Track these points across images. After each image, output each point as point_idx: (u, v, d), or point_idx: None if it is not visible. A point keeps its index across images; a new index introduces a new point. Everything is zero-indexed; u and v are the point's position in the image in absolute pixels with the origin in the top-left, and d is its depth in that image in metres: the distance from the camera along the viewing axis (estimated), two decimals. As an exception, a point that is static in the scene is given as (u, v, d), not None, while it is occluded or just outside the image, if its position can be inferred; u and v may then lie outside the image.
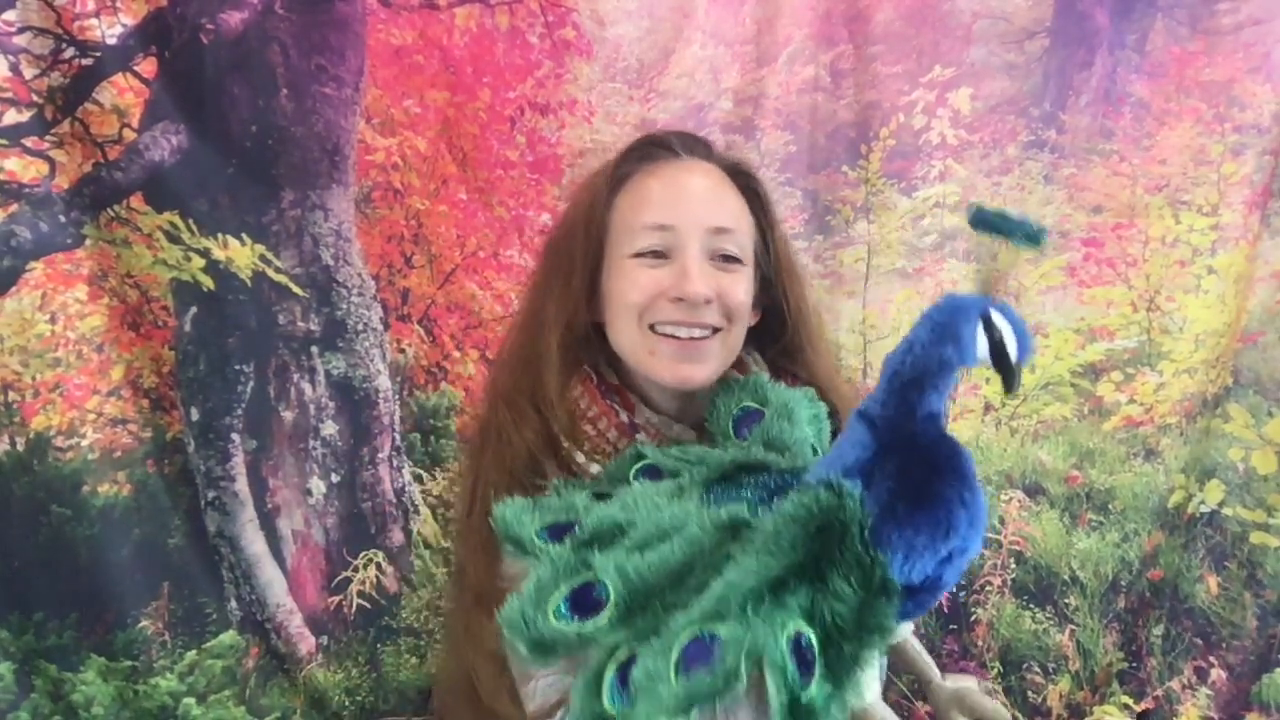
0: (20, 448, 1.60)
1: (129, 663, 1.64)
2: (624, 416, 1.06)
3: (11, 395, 1.59)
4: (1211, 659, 1.87)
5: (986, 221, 0.81)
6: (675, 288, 1.01)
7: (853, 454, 0.80)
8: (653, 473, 0.99)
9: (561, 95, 1.81)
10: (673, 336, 1.02)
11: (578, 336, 1.07)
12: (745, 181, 1.10)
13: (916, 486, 0.76)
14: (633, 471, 0.99)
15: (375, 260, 1.77)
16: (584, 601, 0.79)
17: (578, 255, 1.06)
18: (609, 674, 0.74)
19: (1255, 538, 1.85)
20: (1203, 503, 1.87)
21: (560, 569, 0.81)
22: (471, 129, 1.77)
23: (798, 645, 0.71)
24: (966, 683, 1.05)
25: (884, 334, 1.93)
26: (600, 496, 0.94)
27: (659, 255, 1.03)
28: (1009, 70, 1.90)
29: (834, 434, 1.07)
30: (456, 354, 1.83)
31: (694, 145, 1.10)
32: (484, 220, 1.80)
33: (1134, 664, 1.90)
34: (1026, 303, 1.90)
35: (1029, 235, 0.80)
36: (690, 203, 1.04)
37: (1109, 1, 1.88)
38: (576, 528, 0.86)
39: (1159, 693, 1.88)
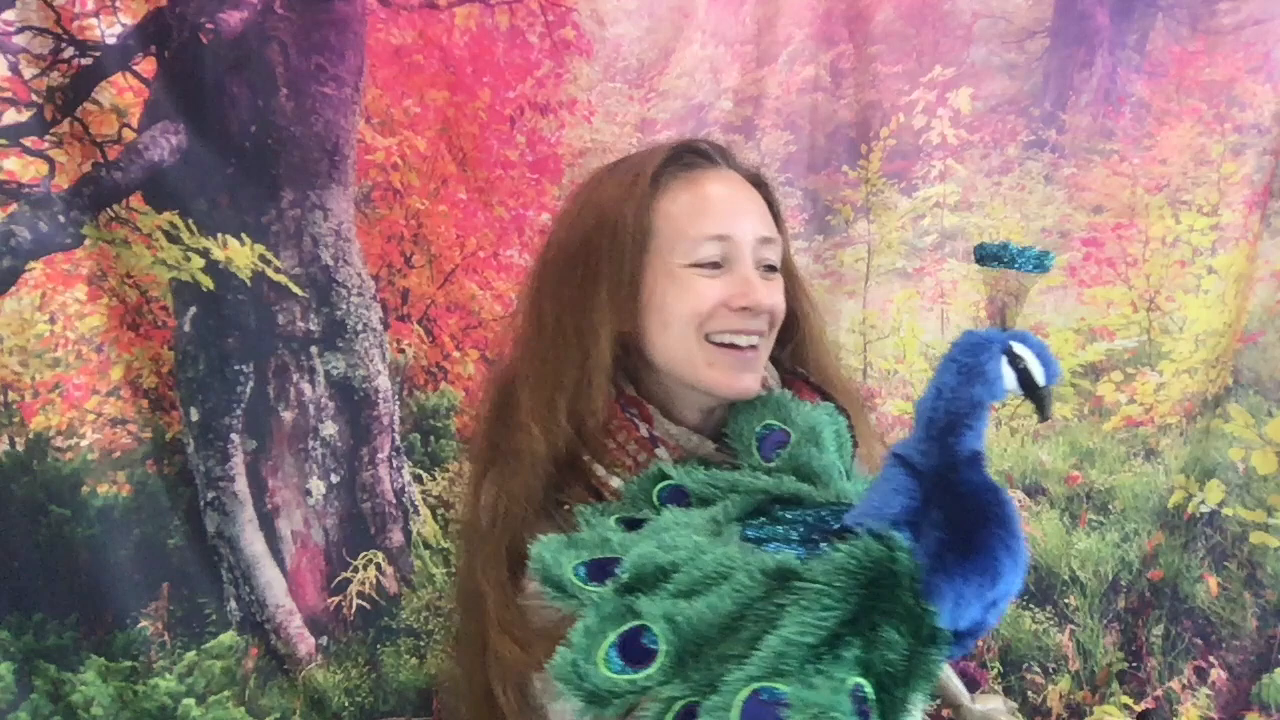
0: (20, 448, 1.60)
1: (128, 663, 1.64)
2: (643, 430, 1.04)
3: (11, 395, 1.59)
4: (1211, 659, 1.87)
5: (991, 255, 0.82)
6: (741, 297, 1.01)
7: (898, 502, 0.81)
8: (677, 494, 0.98)
9: (561, 95, 1.81)
10: (732, 346, 1.03)
11: (624, 348, 1.05)
12: (765, 190, 1.12)
13: (965, 537, 0.77)
14: (656, 491, 0.99)
15: (375, 260, 1.77)
16: (632, 649, 0.78)
17: (625, 261, 1.02)
18: None
19: (1255, 538, 1.85)
20: (1203, 503, 1.87)
21: (606, 615, 0.80)
22: (471, 129, 1.77)
23: (856, 698, 0.72)
24: (994, 703, 1.08)
25: (884, 334, 1.93)
26: (630, 524, 0.93)
27: (716, 266, 1.03)
28: (1009, 70, 1.90)
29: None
30: (456, 354, 1.82)
31: (725, 154, 1.11)
32: (484, 220, 1.80)
33: (1134, 664, 1.90)
34: (1026, 303, 1.90)
35: (1035, 262, 0.81)
36: (743, 213, 1.05)
37: (1109, 1, 1.88)
38: (617, 568, 0.85)
39: (1159, 693, 1.88)
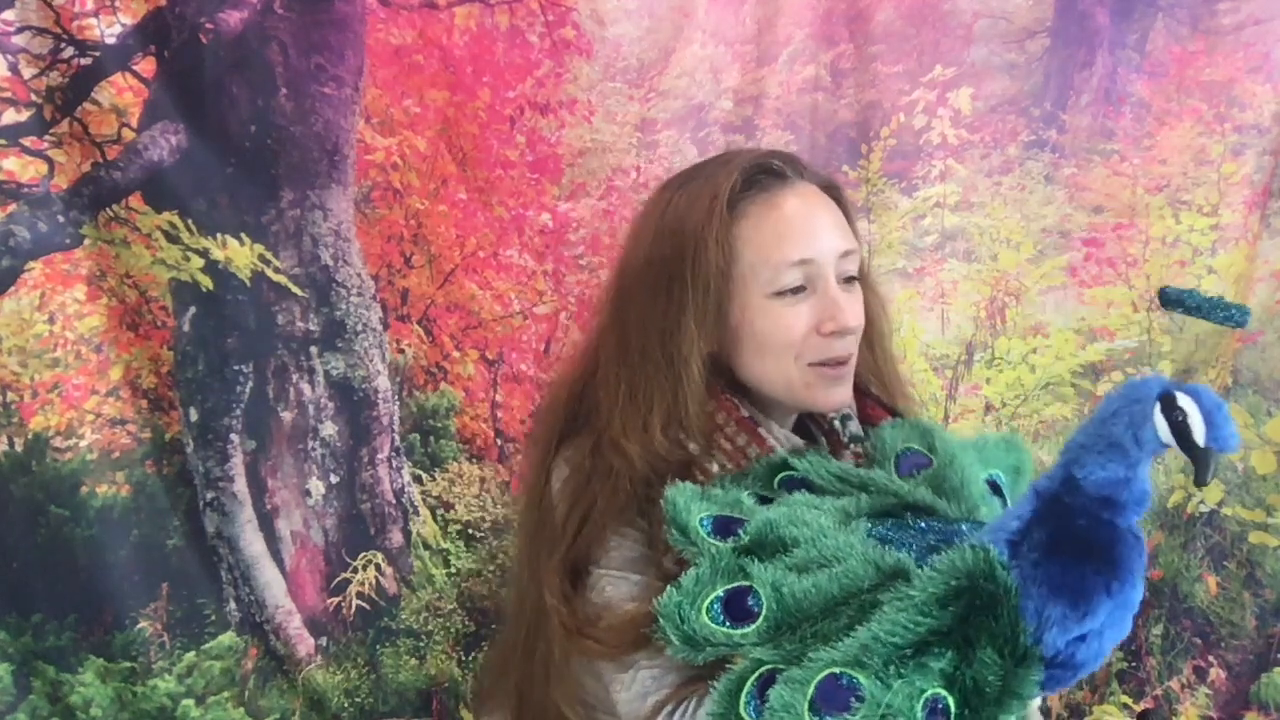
0: (18, 448, 1.59)
1: (127, 664, 1.64)
2: (744, 411, 1.07)
3: (10, 395, 1.59)
4: (1211, 658, 1.88)
5: (1178, 302, 0.82)
6: (830, 321, 1.02)
7: (1011, 520, 0.81)
8: (797, 485, 1.00)
9: (561, 95, 1.81)
10: (823, 364, 1.04)
11: (714, 368, 1.07)
12: (838, 195, 1.11)
13: (1062, 565, 0.77)
14: (777, 479, 1.01)
15: (375, 260, 1.76)
16: (736, 607, 0.83)
17: (711, 288, 1.02)
18: (750, 683, 0.78)
19: (1254, 537, 1.86)
20: (1202, 502, 1.87)
21: (719, 569, 0.84)
22: (471, 129, 1.77)
23: (934, 709, 0.74)
24: None
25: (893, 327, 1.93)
26: (763, 500, 0.96)
27: (801, 290, 1.03)
28: (1010, 70, 1.90)
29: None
30: (456, 354, 1.82)
31: (799, 167, 1.10)
32: (484, 220, 1.79)
33: (1133, 664, 1.90)
34: (1027, 303, 1.90)
35: (1228, 317, 0.80)
36: (822, 232, 1.04)
37: (1110, 1, 1.88)
38: (741, 529, 0.89)
39: (1158, 692, 1.89)
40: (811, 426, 1.15)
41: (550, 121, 1.81)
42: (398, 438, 1.80)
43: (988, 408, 1.92)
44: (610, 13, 1.81)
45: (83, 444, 1.63)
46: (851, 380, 1.07)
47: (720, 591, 0.83)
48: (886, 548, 0.85)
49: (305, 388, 1.75)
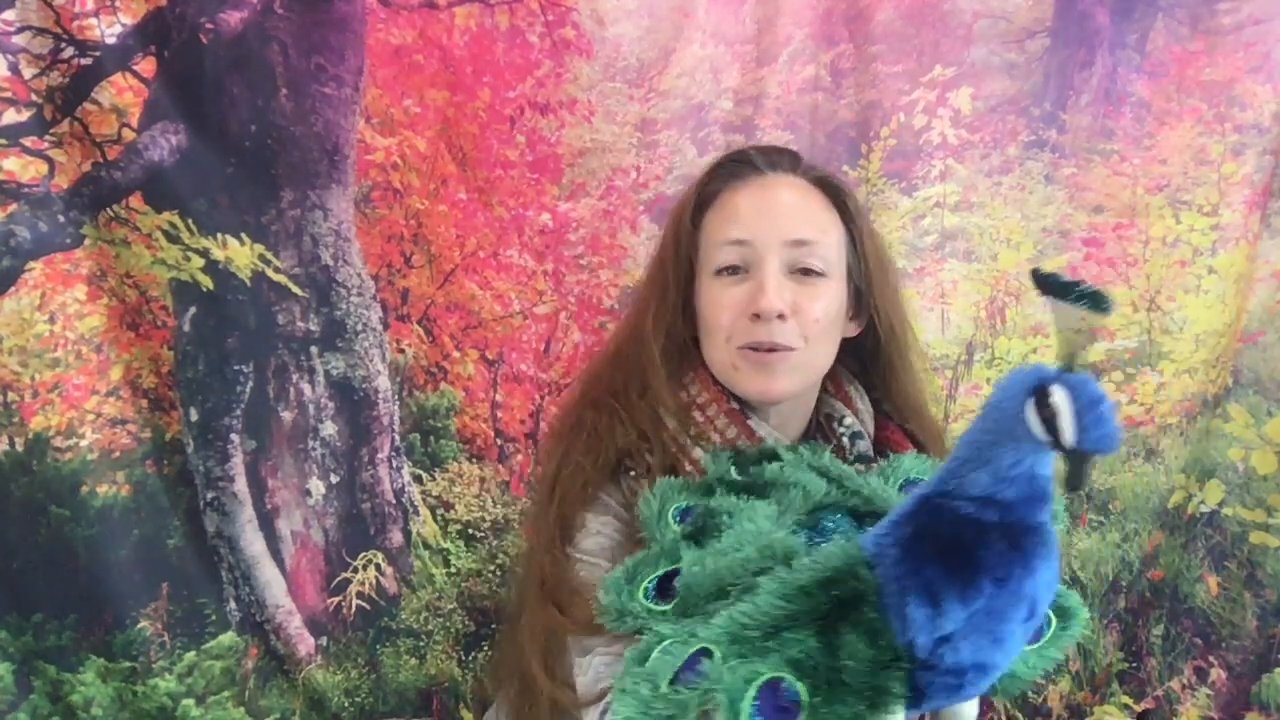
0: (19, 448, 1.59)
1: (128, 663, 1.64)
2: (734, 404, 1.08)
3: (10, 395, 1.59)
4: (1211, 659, 1.87)
5: (1044, 282, 0.79)
6: (751, 303, 1.02)
7: (888, 519, 0.80)
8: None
9: (561, 95, 1.81)
10: (754, 350, 1.04)
11: (678, 345, 1.10)
12: (835, 194, 1.10)
13: (916, 565, 0.75)
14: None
15: (375, 260, 1.76)
16: (667, 586, 0.87)
17: (670, 271, 1.09)
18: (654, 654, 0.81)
19: (1255, 538, 1.85)
20: (1203, 503, 1.87)
21: (664, 552, 0.89)
22: (471, 129, 1.77)
23: (776, 693, 0.74)
24: None
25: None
26: (740, 467, 0.99)
27: (737, 271, 1.05)
28: (1009, 70, 1.90)
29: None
30: (456, 354, 1.82)
31: (779, 160, 1.11)
32: (484, 220, 1.80)
33: (1134, 664, 1.90)
34: (1027, 303, 1.90)
35: (1089, 301, 0.76)
36: (769, 217, 1.05)
37: (1109, 1, 1.88)
38: (691, 515, 0.93)
39: (1159, 693, 1.88)
40: (819, 439, 1.14)
41: (550, 121, 1.81)
42: (398, 437, 1.80)
43: (988, 408, 1.92)
44: (610, 13, 1.81)
45: (83, 444, 1.63)
46: (788, 377, 1.05)
47: (660, 572, 0.87)
48: (791, 536, 0.86)
49: (305, 388, 1.75)
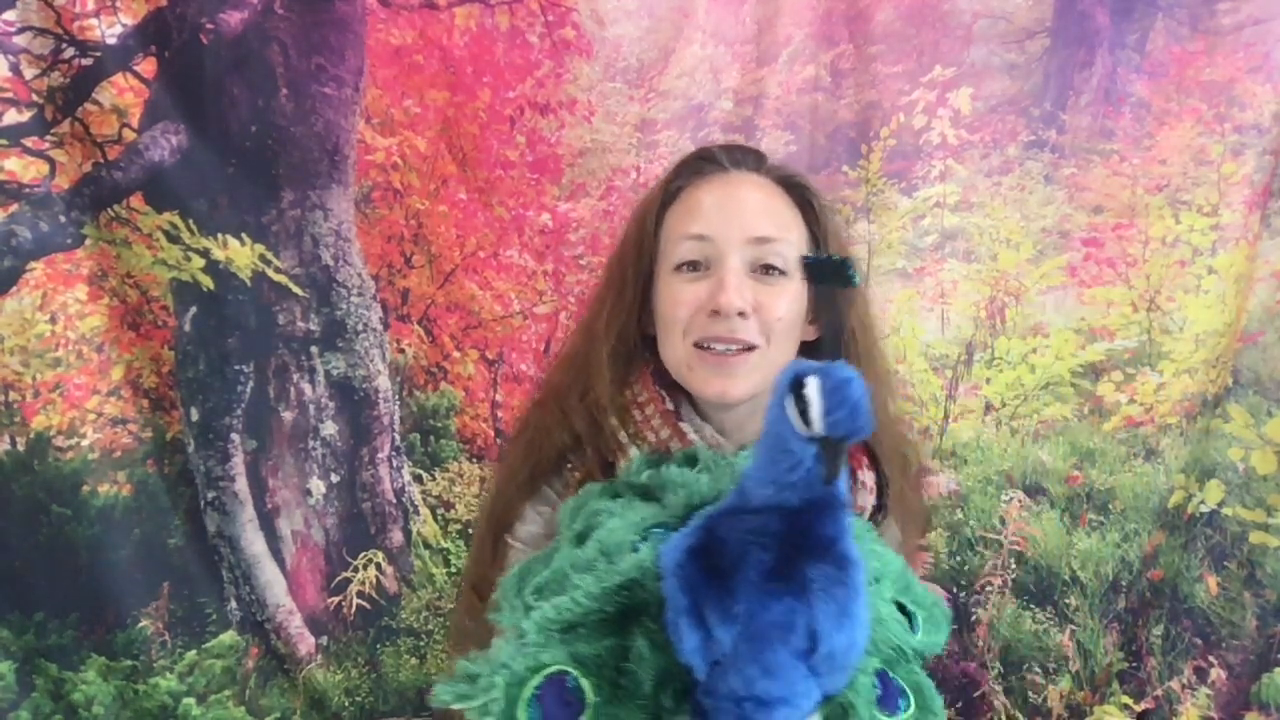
0: (20, 447, 1.60)
1: (129, 662, 1.65)
2: (669, 404, 1.06)
3: (12, 395, 1.59)
4: (1211, 659, 1.87)
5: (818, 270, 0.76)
6: (711, 300, 1.00)
7: (684, 529, 0.77)
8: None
9: (561, 95, 1.81)
10: (711, 349, 1.01)
11: (629, 347, 1.08)
12: (799, 193, 1.08)
13: (688, 583, 0.72)
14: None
15: (375, 260, 1.77)
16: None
17: (629, 269, 1.07)
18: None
19: (1255, 538, 1.85)
20: (1203, 503, 1.87)
21: (555, 550, 0.88)
22: (471, 129, 1.77)
23: (561, 687, 0.73)
24: None
25: (884, 334, 1.92)
26: (654, 470, 0.98)
27: (697, 267, 1.02)
28: (1009, 70, 1.90)
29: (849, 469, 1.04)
30: (456, 354, 1.83)
31: (743, 158, 1.10)
32: (484, 220, 1.80)
33: (1134, 664, 1.90)
34: (1027, 303, 1.90)
35: (842, 276, 0.75)
36: (731, 213, 1.03)
37: (1109, 1, 1.88)
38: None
39: (1159, 693, 1.88)
40: None
41: (550, 121, 1.81)
42: (398, 437, 1.80)
43: (988, 408, 1.92)
44: (610, 13, 1.81)
45: (84, 443, 1.63)
46: (745, 379, 1.02)
47: (541, 577, 0.85)
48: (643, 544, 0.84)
49: (306, 387, 1.75)
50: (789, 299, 1.03)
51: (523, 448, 1.07)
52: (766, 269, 1.03)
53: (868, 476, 1.05)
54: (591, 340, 1.07)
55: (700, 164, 1.09)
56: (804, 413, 0.68)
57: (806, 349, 1.09)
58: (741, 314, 1.00)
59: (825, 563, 0.71)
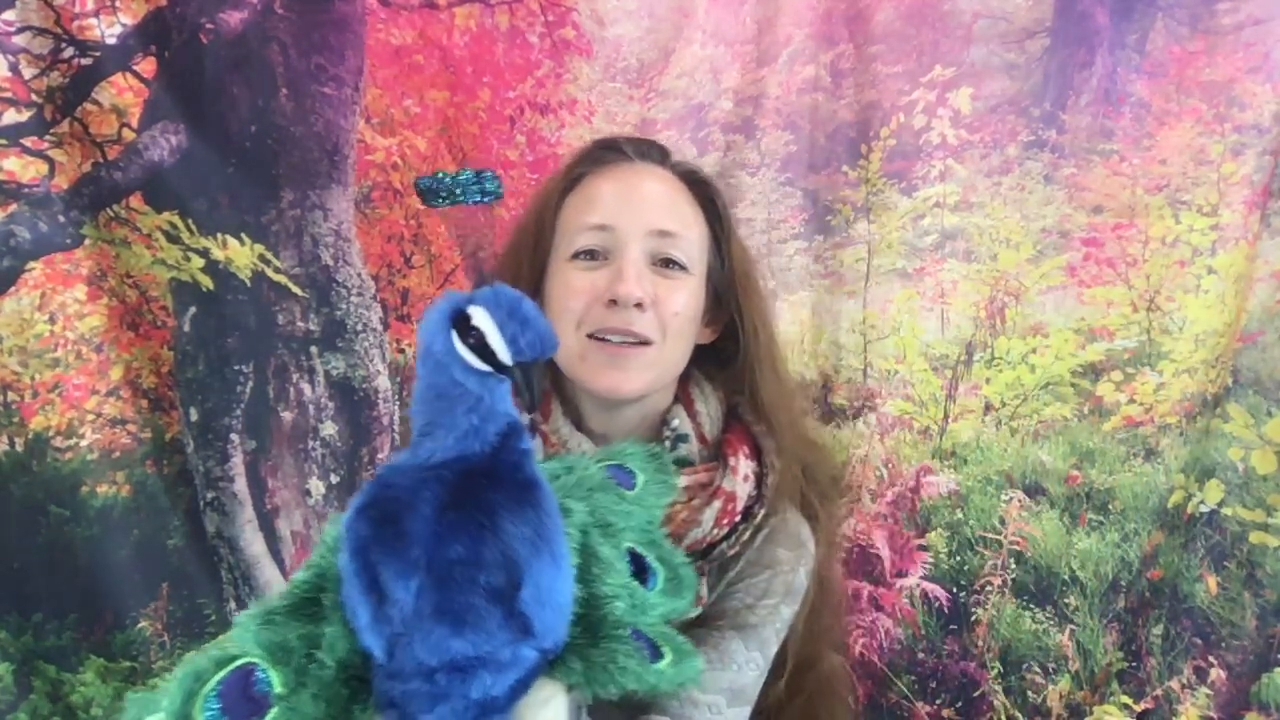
0: (19, 448, 1.60)
1: (128, 663, 1.64)
2: (547, 429, 1.02)
3: (10, 395, 1.59)
4: (1211, 659, 1.87)
5: (429, 192, 0.73)
6: (609, 289, 0.96)
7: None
8: None
9: (561, 95, 1.81)
10: (605, 341, 0.97)
11: None
12: (702, 190, 1.06)
13: (360, 541, 0.64)
14: None
15: (375, 260, 1.77)
16: None
17: (524, 259, 1.03)
18: None
19: (1255, 537, 1.85)
20: (1202, 503, 1.87)
21: None
22: (471, 129, 1.77)
23: (245, 680, 0.67)
24: None
25: (884, 334, 1.93)
26: None
27: (595, 256, 0.99)
28: (1009, 70, 1.90)
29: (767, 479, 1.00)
30: (456, 354, 1.82)
31: (648, 150, 1.07)
32: (484, 220, 1.80)
33: (1134, 664, 1.90)
34: (1027, 303, 1.90)
35: (480, 190, 0.72)
36: (633, 204, 1.00)
37: (1109, 1, 1.88)
38: None
39: (1159, 692, 1.88)
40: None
41: (550, 122, 1.81)
42: (398, 437, 1.80)
43: (988, 407, 1.92)
44: (610, 13, 1.81)
45: (83, 444, 1.63)
46: (638, 374, 0.98)
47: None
48: None
49: (305, 388, 1.75)
50: (687, 295, 1.00)
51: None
52: (667, 263, 1.00)
53: (745, 465, 1.01)
54: None
55: (603, 153, 1.06)
56: (477, 346, 0.62)
57: (701, 355, 1.06)
58: (639, 305, 0.96)
59: (509, 486, 0.64)
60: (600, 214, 0.99)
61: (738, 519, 0.99)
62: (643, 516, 0.85)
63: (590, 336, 0.98)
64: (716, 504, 0.97)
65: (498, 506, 0.63)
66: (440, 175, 0.76)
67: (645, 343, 0.98)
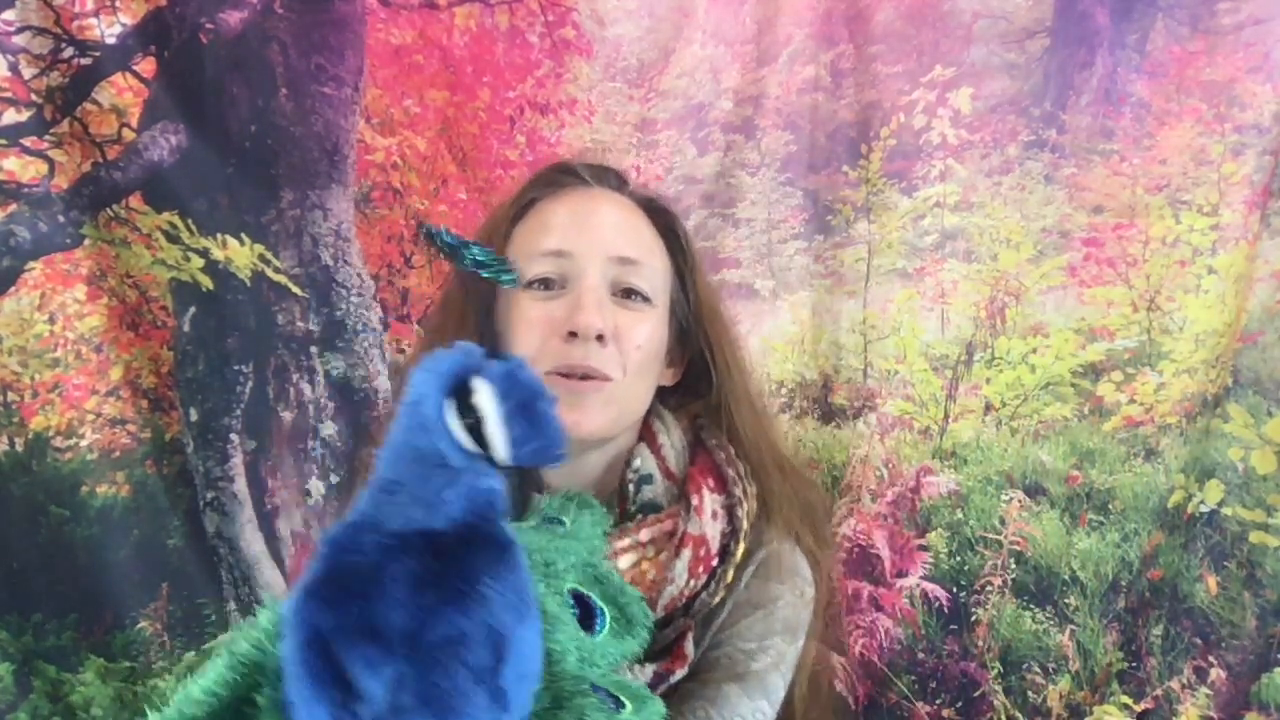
0: (19, 448, 1.59)
1: (128, 664, 1.64)
2: None
3: (10, 395, 1.59)
4: (1211, 659, 1.87)
5: (437, 238, 0.64)
6: (567, 320, 0.88)
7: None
8: None
9: (561, 95, 1.81)
10: (565, 376, 0.88)
11: None
12: (663, 219, 0.99)
13: (314, 622, 0.54)
14: None
15: (375, 260, 1.77)
16: None
17: (470, 291, 0.94)
18: None
19: (1255, 537, 1.85)
20: (1202, 503, 1.87)
21: None
22: (471, 129, 1.77)
23: None
24: None
25: (884, 334, 1.93)
26: None
27: (551, 285, 0.91)
28: (1009, 70, 1.90)
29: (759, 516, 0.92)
30: (456, 354, 1.82)
31: (604, 175, 1.00)
32: (484, 220, 1.80)
33: (1134, 664, 1.90)
34: (1027, 303, 1.90)
35: (491, 268, 0.63)
36: (592, 228, 0.92)
37: (1109, 1, 1.88)
38: None
39: (1159, 693, 1.88)
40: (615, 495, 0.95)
41: (550, 122, 1.81)
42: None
43: (988, 408, 1.92)
44: (610, 13, 1.81)
45: (83, 444, 1.63)
46: (599, 412, 0.89)
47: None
48: None
49: (305, 388, 1.75)
50: (650, 328, 0.93)
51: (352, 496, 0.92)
52: (628, 293, 0.92)
53: (710, 501, 0.91)
54: None
55: (557, 176, 0.99)
56: (473, 427, 0.54)
57: (663, 396, 0.99)
58: (600, 337, 0.88)
59: (488, 547, 0.57)
60: (555, 239, 0.91)
61: (714, 563, 0.89)
62: (581, 550, 0.78)
63: (549, 373, 0.88)
64: (686, 553, 0.88)
65: (479, 572, 0.55)
66: (449, 237, 0.68)
67: (605, 379, 0.89)
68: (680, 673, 0.84)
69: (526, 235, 0.94)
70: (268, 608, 0.60)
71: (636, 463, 0.94)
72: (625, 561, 0.86)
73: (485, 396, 0.54)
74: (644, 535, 0.88)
